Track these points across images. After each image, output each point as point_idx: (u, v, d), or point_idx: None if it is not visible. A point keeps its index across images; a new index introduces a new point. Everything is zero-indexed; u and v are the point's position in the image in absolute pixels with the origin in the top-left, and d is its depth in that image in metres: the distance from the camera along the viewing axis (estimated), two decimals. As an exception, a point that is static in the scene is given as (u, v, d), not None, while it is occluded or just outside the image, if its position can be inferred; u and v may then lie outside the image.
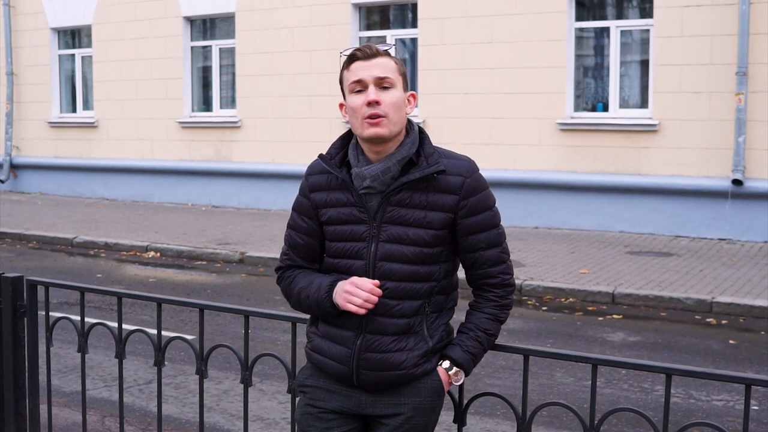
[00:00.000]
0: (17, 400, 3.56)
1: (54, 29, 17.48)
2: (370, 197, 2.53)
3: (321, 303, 2.54)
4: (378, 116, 2.46)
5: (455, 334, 2.63)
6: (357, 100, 2.50)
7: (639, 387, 5.96)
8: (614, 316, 8.13)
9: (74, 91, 17.65)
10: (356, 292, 2.47)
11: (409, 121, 2.59)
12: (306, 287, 2.59)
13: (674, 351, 6.96)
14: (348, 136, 2.63)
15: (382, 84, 2.49)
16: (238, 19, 14.97)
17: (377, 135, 2.48)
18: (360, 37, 13.83)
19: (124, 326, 3.36)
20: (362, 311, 2.47)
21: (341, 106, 2.60)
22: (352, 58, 2.52)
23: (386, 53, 2.52)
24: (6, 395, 3.57)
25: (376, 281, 2.48)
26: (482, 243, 2.54)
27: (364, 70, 2.49)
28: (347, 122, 2.58)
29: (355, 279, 2.49)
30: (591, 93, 12.59)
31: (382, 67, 2.50)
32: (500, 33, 12.53)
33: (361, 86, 2.49)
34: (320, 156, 2.61)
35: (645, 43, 12.09)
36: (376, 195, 2.52)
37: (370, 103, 2.47)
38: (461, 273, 2.63)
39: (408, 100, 2.56)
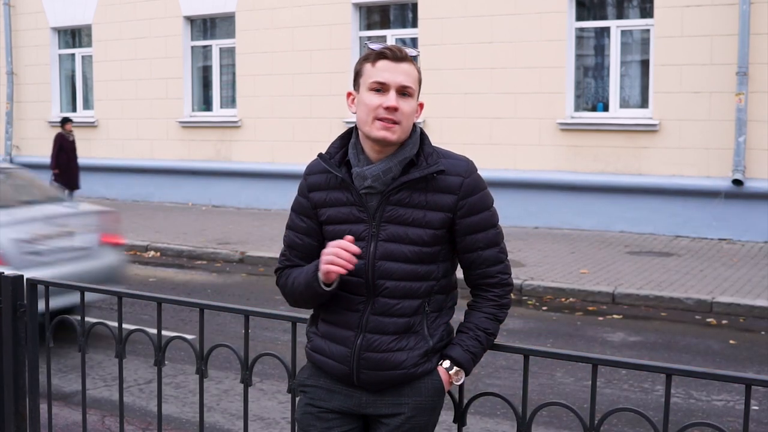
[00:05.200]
0: (17, 399, 3.56)
1: (54, 29, 17.48)
2: (370, 197, 2.52)
3: (310, 284, 2.53)
4: (393, 122, 2.46)
5: (455, 334, 2.63)
6: (374, 100, 2.47)
7: (639, 387, 5.96)
8: (614, 316, 8.13)
9: (74, 90, 17.66)
10: (329, 251, 2.45)
11: (412, 123, 2.59)
12: (298, 276, 2.59)
13: (674, 351, 6.96)
14: (347, 136, 2.62)
15: (403, 92, 2.48)
16: (238, 18, 14.97)
17: (386, 139, 2.47)
18: (360, 37, 13.83)
19: (124, 326, 3.36)
20: (338, 269, 2.42)
21: (349, 94, 2.59)
22: (380, 56, 2.49)
23: (411, 59, 2.52)
24: (6, 394, 3.57)
25: (350, 237, 2.46)
26: (480, 243, 2.54)
27: (389, 72, 2.47)
28: (353, 112, 2.56)
29: (330, 242, 2.48)
30: (591, 93, 12.59)
31: (407, 74, 2.48)
32: (500, 33, 12.53)
33: (382, 87, 2.48)
34: (320, 155, 2.60)
35: (645, 43, 12.09)
36: (375, 195, 2.52)
37: (388, 108, 2.46)
38: (459, 273, 2.62)
39: (417, 107, 2.56)
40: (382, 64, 2.48)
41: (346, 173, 2.54)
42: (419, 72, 2.53)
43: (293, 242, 2.66)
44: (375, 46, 2.51)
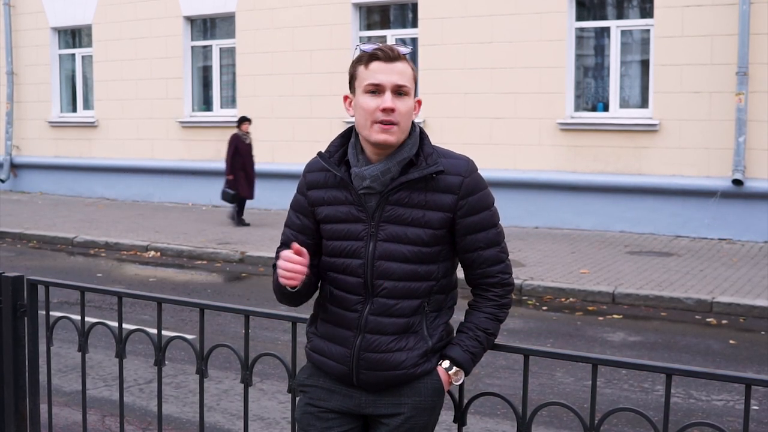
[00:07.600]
0: (17, 399, 3.56)
1: (54, 29, 17.48)
2: (369, 197, 2.51)
3: (280, 287, 2.56)
4: (391, 123, 2.44)
5: (455, 334, 2.63)
6: (371, 103, 2.45)
7: (639, 387, 5.96)
8: (614, 316, 8.13)
9: (74, 90, 17.66)
10: (280, 264, 2.47)
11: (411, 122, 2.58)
12: (274, 277, 2.61)
13: (674, 351, 6.96)
14: (347, 134, 2.60)
15: (399, 91, 2.46)
16: (238, 18, 14.97)
17: (386, 142, 2.46)
18: (360, 37, 13.83)
19: (124, 326, 3.36)
20: (291, 282, 2.45)
21: (346, 98, 2.57)
22: (372, 57, 2.46)
23: (405, 57, 2.49)
24: (6, 395, 3.57)
25: (296, 246, 2.46)
26: (481, 242, 2.53)
27: (383, 74, 2.44)
28: (352, 116, 2.55)
29: (282, 253, 2.49)
30: (591, 93, 12.59)
31: (402, 73, 2.45)
32: (500, 33, 12.53)
33: (377, 89, 2.46)
34: (319, 154, 2.59)
35: (645, 43, 12.09)
36: (374, 194, 2.51)
37: (385, 110, 2.44)
38: (460, 272, 2.62)
39: (414, 105, 2.54)
40: (376, 65, 2.45)
41: (345, 172, 2.53)
42: (414, 69, 2.51)
43: (288, 239, 2.65)
44: (367, 48, 2.48)
